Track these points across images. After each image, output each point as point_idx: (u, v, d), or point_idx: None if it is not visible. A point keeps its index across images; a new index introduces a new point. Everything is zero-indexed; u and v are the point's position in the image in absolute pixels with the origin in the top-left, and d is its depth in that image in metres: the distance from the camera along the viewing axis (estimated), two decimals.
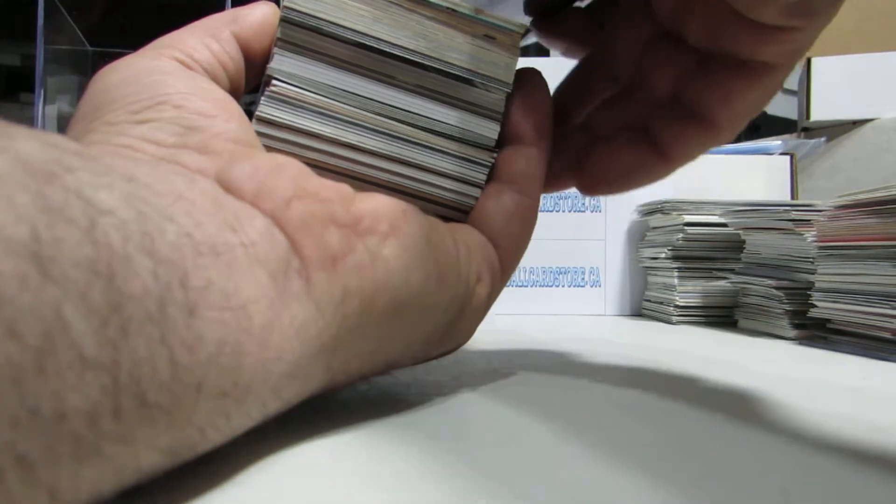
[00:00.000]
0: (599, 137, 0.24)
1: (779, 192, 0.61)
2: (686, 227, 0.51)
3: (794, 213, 0.43)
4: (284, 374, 0.14)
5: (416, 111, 0.20)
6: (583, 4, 0.25)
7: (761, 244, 0.47)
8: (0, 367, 0.08)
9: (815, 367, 0.32)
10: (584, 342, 0.40)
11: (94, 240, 0.10)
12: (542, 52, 0.25)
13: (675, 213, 0.52)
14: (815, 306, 0.39)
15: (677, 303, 0.50)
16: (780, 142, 0.67)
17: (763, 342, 0.41)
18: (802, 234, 0.42)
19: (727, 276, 0.48)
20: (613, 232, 0.59)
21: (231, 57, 0.19)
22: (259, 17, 0.20)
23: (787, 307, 0.42)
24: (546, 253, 0.58)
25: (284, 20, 0.19)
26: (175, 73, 0.18)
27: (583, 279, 0.58)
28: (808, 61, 0.80)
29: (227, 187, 0.15)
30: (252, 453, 0.15)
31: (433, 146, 0.21)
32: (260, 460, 0.15)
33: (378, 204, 0.17)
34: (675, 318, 0.50)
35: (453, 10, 0.20)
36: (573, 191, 0.25)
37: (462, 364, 0.28)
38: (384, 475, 0.14)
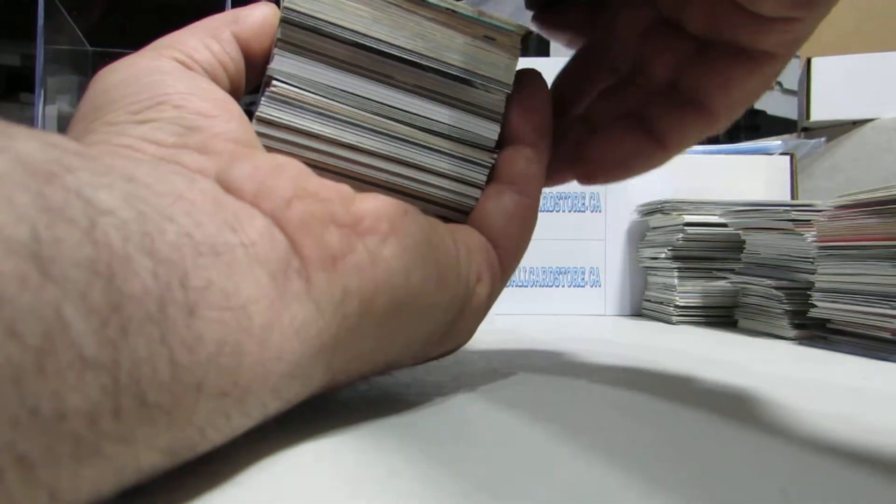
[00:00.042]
0: (596, 127, 0.24)
1: (779, 192, 0.61)
2: (686, 227, 0.51)
3: (794, 213, 0.43)
4: (284, 374, 0.14)
5: (415, 112, 0.20)
6: None
7: (761, 244, 0.47)
8: (0, 367, 0.08)
9: (815, 367, 0.32)
10: (584, 342, 0.40)
11: (94, 240, 0.10)
12: (542, 52, 0.25)
13: (675, 213, 0.52)
14: (815, 306, 0.39)
15: (677, 303, 0.51)
16: (780, 142, 0.67)
17: (763, 342, 0.41)
18: (802, 234, 0.42)
19: (727, 276, 0.48)
20: (613, 232, 0.59)
21: (231, 57, 0.19)
22: (259, 18, 0.20)
23: (787, 307, 0.42)
24: (546, 253, 0.58)
25: (284, 21, 0.19)
26: (175, 73, 0.18)
27: (583, 279, 0.58)
28: (808, 61, 0.80)
29: (228, 187, 0.15)
30: (252, 453, 0.15)
31: (433, 147, 0.21)
32: (260, 460, 0.15)
33: (378, 204, 0.17)
34: (675, 318, 0.50)
35: (453, 10, 0.20)
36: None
37: (462, 364, 0.28)
38: (384, 475, 0.14)
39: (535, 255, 0.58)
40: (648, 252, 0.55)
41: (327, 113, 0.20)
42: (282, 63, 0.19)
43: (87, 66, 0.69)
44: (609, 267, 0.58)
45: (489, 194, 0.22)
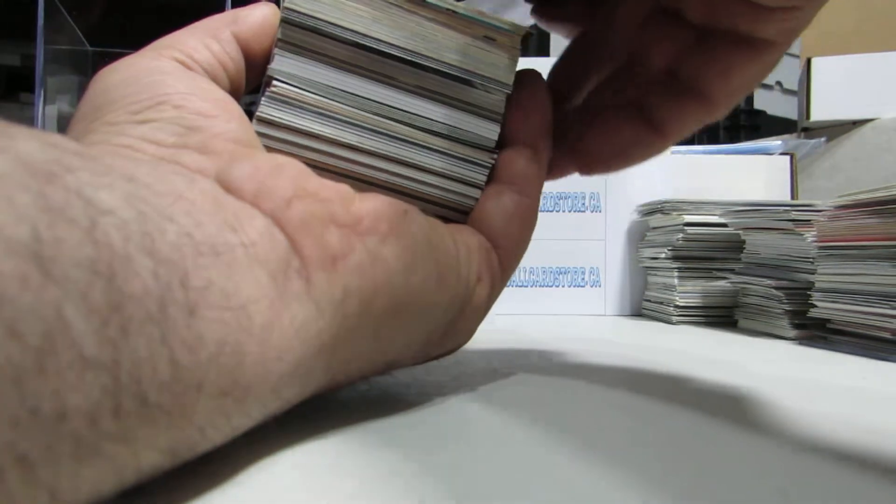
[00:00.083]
0: (594, 116, 0.24)
1: (779, 192, 0.61)
2: (686, 227, 0.51)
3: (794, 213, 0.43)
4: (284, 374, 0.14)
5: (415, 112, 0.20)
6: None
7: (761, 244, 0.47)
8: (1, 367, 0.08)
9: (815, 367, 0.32)
10: (584, 342, 0.40)
11: (94, 240, 0.10)
12: (542, 52, 0.25)
13: (675, 213, 0.52)
14: (815, 306, 0.39)
15: (677, 303, 0.51)
16: (780, 142, 0.67)
17: (763, 342, 0.41)
18: (802, 234, 0.42)
19: (727, 276, 0.48)
20: (613, 232, 0.59)
21: (231, 57, 0.19)
22: (259, 18, 0.20)
23: (787, 307, 0.42)
24: (546, 253, 0.58)
25: (284, 21, 0.19)
26: (175, 73, 0.18)
27: (583, 279, 0.58)
28: (808, 61, 0.80)
29: (228, 187, 0.15)
30: (252, 453, 0.15)
31: (433, 147, 0.21)
32: (260, 460, 0.15)
33: (378, 204, 0.17)
34: (675, 318, 0.50)
35: (453, 11, 0.20)
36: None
37: (462, 364, 0.28)
38: (384, 475, 0.14)
39: (535, 255, 0.58)
40: (648, 252, 0.55)
41: (327, 113, 0.20)
42: (282, 63, 0.19)
43: (87, 66, 0.69)
44: (609, 267, 0.58)
45: (489, 194, 0.22)
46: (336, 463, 0.15)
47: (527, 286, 0.58)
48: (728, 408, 0.22)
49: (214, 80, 0.19)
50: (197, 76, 0.18)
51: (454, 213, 0.22)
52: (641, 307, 0.58)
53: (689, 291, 0.51)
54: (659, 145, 0.23)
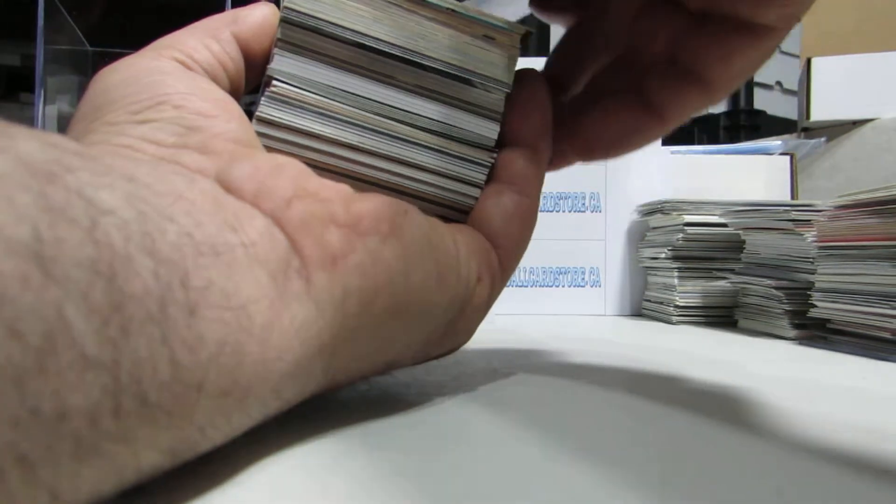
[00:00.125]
0: (593, 102, 0.24)
1: (779, 192, 0.61)
2: (686, 227, 0.51)
3: (794, 213, 0.43)
4: (285, 374, 0.14)
5: (415, 111, 0.20)
6: None
7: (761, 244, 0.47)
8: (1, 367, 0.08)
9: (814, 367, 0.32)
10: (584, 342, 0.40)
11: (95, 240, 0.10)
12: (542, 51, 0.25)
13: (675, 213, 0.52)
14: (814, 306, 0.39)
15: (677, 303, 0.51)
16: (780, 142, 0.67)
17: (763, 342, 0.41)
18: (802, 234, 0.42)
19: (727, 276, 0.48)
20: (613, 232, 0.59)
21: (231, 57, 0.19)
22: (259, 18, 0.20)
23: (787, 307, 0.42)
24: (546, 253, 0.58)
25: (284, 20, 0.19)
26: (175, 73, 0.18)
27: (583, 279, 0.58)
28: (808, 61, 0.80)
29: (228, 187, 0.15)
30: (252, 453, 0.15)
31: (433, 146, 0.21)
32: (260, 460, 0.15)
33: (378, 204, 0.17)
34: (675, 318, 0.50)
35: (453, 10, 0.20)
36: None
37: (462, 364, 0.28)
38: (384, 475, 0.14)
39: (535, 255, 0.58)
40: (648, 252, 0.55)
41: (327, 113, 0.20)
42: (282, 63, 0.19)
43: (87, 66, 0.69)
44: (609, 267, 0.58)
45: (489, 194, 0.22)
46: (336, 463, 0.15)
47: (527, 286, 0.58)
48: (727, 408, 0.22)
49: (214, 80, 0.19)
50: (197, 76, 0.18)
51: (454, 212, 0.22)
52: (641, 307, 0.58)
53: (689, 291, 0.51)
54: (658, 130, 0.23)
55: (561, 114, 0.24)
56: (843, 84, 0.78)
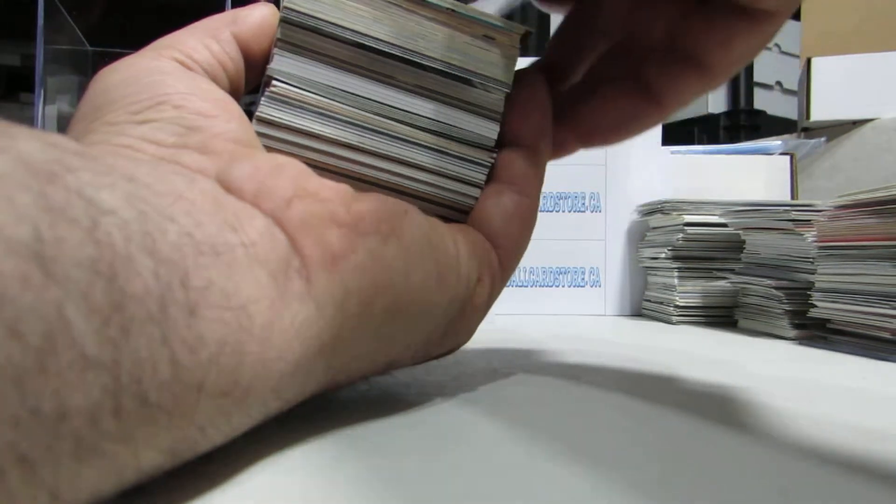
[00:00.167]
0: (592, 89, 0.24)
1: (779, 192, 0.61)
2: (686, 227, 0.51)
3: (794, 213, 0.43)
4: (285, 374, 0.14)
5: (415, 111, 0.20)
6: None
7: (761, 244, 0.47)
8: (1, 366, 0.08)
9: (814, 367, 0.32)
10: (584, 342, 0.40)
11: (96, 240, 0.10)
12: (542, 50, 0.25)
13: (675, 213, 0.52)
14: (815, 306, 0.39)
15: (677, 303, 0.51)
16: (780, 142, 0.67)
17: (763, 342, 0.41)
18: (802, 234, 0.42)
19: (727, 276, 0.48)
20: (613, 232, 0.59)
21: (231, 57, 0.19)
22: (258, 18, 0.20)
23: (787, 307, 0.42)
24: (546, 253, 0.58)
25: (284, 21, 0.19)
26: (175, 73, 0.18)
27: (583, 279, 0.58)
28: (808, 61, 0.80)
29: (228, 187, 0.15)
30: (252, 453, 0.15)
31: (432, 146, 0.21)
32: (260, 460, 0.15)
33: (378, 204, 0.17)
34: (675, 318, 0.51)
35: (453, 10, 0.20)
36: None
37: (462, 364, 0.28)
38: (384, 475, 0.14)
39: (535, 255, 0.58)
40: (648, 252, 0.55)
41: (327, 113, 0.20)
42: (281, 63, 0.19)
43: (87, 66, 0.69)
44: (609, 267, 0.58)
45: (489, 194, 0.22)
46: (336, 463, 0.15)
47: (527, 286, 0.58)
48: (728, 408, 0.22)
49: (214, 80, 0.19)
50: (197, 76, 0.18)
51: (454, 212, 0.22)
52: (641, 307, 0.58)
53: (689, 291, 0.51)
54: (657, 117, 0.23)
55: (561, 103, 0.23)
56: (843, 84, 0.78)
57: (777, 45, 1.54)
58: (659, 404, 0.22)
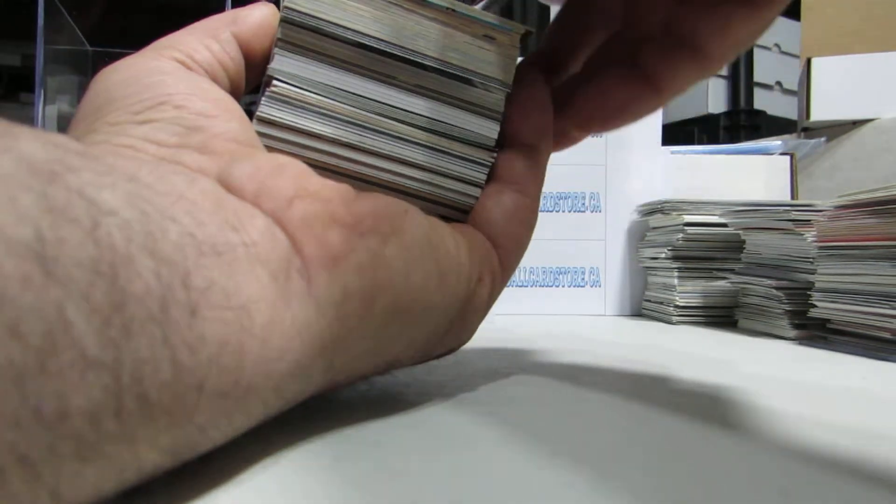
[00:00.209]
0: (590, 75, 0.24)
1: (779, 192, 0.61)
2: (686, 227, 0.51)
3: (794, 213, 0.43)
4: (285, 374, 0.14)
5: (415, 111, 0.20)
6: None
7: (761, 244, 0.47)
8: (2, 367, 0.08)
9: (814, 367, 0.32)
10: (584, 342, 0.40)
11: (97, 240, 0.10)
12: None
13: (675, 213, 0.52)
14: (815, 306, 0.39)
15: (677, 303, 0.51)
16: (780, 142, 0.67)
17: (763, 342, 0.41)
18: (802, 234, 0.42)
19: (727, 276, 0.48)
20: (613, 232, 0.59)
21: (231, 57, 0.19)
22: (259, 18, 0.20)
23: (787, 307, 0.42)
24: (546, 253, 0.58)
25: (284, 20, 0.19)
26: (176, 73, 0.18)
27: (583, 279, 0.58)
28: (808, 61, 0.80)
29: (228, 187, 0.15)
30: (253, 453, 0.15)
31: (433, 146, 0.21)
32: (261, 460, 0.15)
33: (379, 204, 0.17)
34: (675, 318, 0.51)
35: (453, 10, 0.20)
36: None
37: (462, 364, 0.29)
38: (384, 475, 0.14)
39: (535, 255, 0.58)
40: (648, 252, 0.55)
41: (328, 112, 0.20)
42: (282, 63, 0.19)
43: (87, 66, 0.69)
44: (609, 267, 0.58)
45: (489, 194, 0.22)
46: (336, 463, 0.15)
47: (527, 286, 0.58)
48: (728, 408, 0.22)
49: (214, 80, 0.19)
50: (197, 76, 0.18)
51: (455, 212, 0.22)
52: (641, 307, 0.58)
53: (689, 291, 0.51)
54: (655, 102, 0.23)
55: (559, 93, 0.23)
56: (843, 84, 0.78)
57: (777, 45, 1.54)
58: (659, 404, 0.22)
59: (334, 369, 0.16)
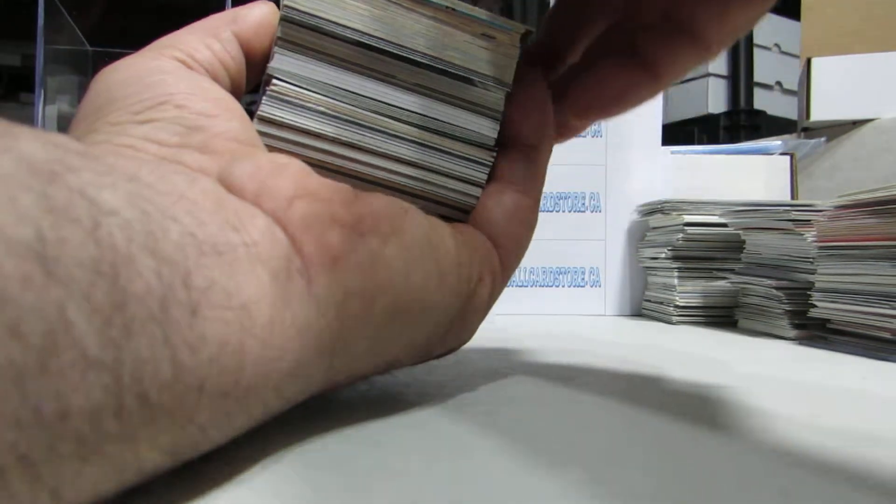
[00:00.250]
0: (588, 63, 0.24)
1: (779, 192, 0.61)
2: (686, 227, 0.51)
3: (794, 213, 0.43)
4: (286, 374, 0.14)
5: (416, 110, 0.20)
6: None
7: (761, 244, 0.47)
8: (2, 366, 0.08)
9: (814, 367, 0.32)
10: (584, 342, 0.40)
11: (98, 240, 0.10)
12: None
13: (675, 213, 0.52)
14: (815, 306, 0.39)
15: (677, 303, 0.51)
16: (780, 142, 0.67)
17: (763, 342, 0.41)
18: (802, 234, 0.42)
19: (727, 276, 0.48)
20: (613, 232, 0.59)
21: (232, 56, 0.19)
22: (259, 17, 0.20)
23: (787, 307, 0.42)
24: (546, 253, 0.58)
25: (284, 19, 0.19)
26: (176, 72, 0.18)
27: (583, 279, 0.58)
28: (808, 61, 0.80)
29: (229, 187, 0.15)
30: (253, 453, 0.15)
31: (433, 145, 0.21)
32: (261, 460, 0.15)
33: (379, 204, 0.17)
34: (675, 318, 0.51)
35: (453, 8, 0.20)
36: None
37: (462, 364, 0.28)
38: (384, 475, 0.14)
39: (535, 255, 0.58)
40: (648, 252, 0.55)
41: (328, 112, 0.20)
42: (282, 62, 0.19)
43: (87, 66, 0.69)
44: (609, 267, 0.58)
45: (490, 193, 0.22)
46: (336, 463, 0.15)
47: (527, 286, 0.58)
48: (728, 409, 0.22)
49: (215, 79, 0.19)
50: (198, 76, 0.18)
51: (455, 211, 0.22)
52: (641, 307, 0.58)
53: (689, 291, 0.51)
54: (653, 88, 0.23)
55: (559, 84, 0.23)
56: (843, 84, 0.78)
57: (777, 45, 1.54)
58: (659, 405, 0.22)
59: (334, 369, 0.16)
